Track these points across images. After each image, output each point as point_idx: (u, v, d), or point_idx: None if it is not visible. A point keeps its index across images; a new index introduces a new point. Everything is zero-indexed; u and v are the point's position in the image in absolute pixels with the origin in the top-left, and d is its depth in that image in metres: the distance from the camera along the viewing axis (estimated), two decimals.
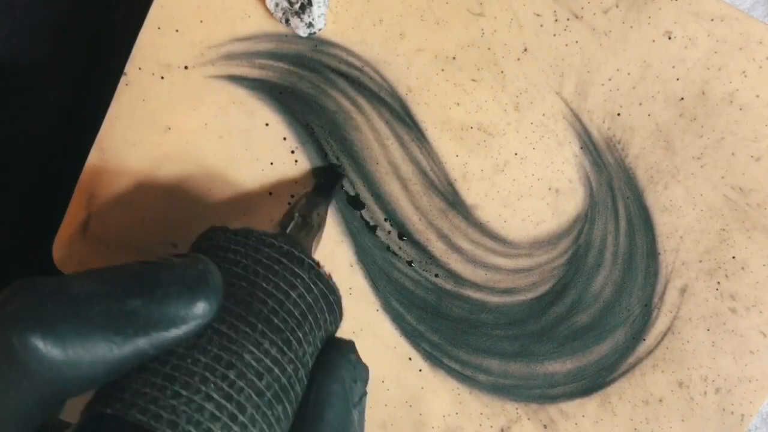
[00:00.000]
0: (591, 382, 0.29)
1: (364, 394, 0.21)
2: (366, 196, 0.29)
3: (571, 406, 0.29)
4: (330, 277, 0.22)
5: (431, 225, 0.29)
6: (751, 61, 0.28)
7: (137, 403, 0.16)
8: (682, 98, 0.28)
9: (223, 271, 0.19)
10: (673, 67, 0.28)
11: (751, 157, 0.28)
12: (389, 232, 0.29)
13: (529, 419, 0.29)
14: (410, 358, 0.30)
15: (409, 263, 0.29)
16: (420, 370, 0.30)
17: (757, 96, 0.28)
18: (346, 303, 0.30)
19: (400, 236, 0.29)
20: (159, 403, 0.16)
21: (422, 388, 0.30)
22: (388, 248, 0.29)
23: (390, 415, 0.30)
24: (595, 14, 0.28)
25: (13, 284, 0.16)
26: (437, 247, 0.29)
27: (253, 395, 0.17)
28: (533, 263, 0.29)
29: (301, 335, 0.20)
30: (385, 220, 0.29)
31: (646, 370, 0.29)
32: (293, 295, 0.20)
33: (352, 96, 0.29)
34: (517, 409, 0.29)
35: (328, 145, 0.29)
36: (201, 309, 0.17)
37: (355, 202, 0.29)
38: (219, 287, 0.18)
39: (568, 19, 0.28)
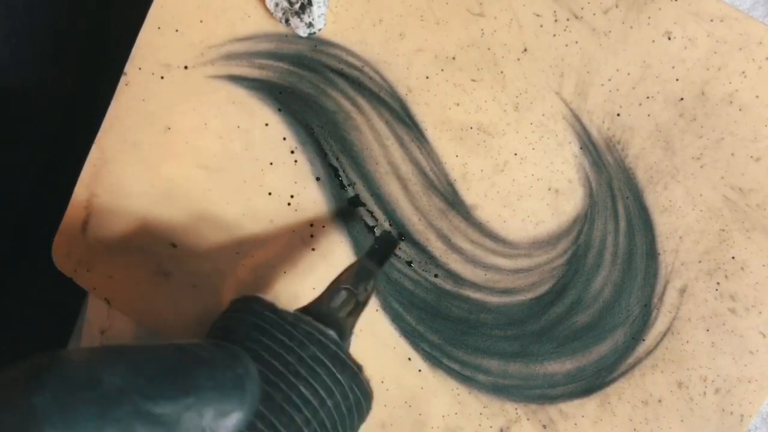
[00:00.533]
0: (590, 383, 0.29)
1: None
2: (365, 196, 0.29)
3: (570, 407, 0.29)
4: (368, 382, 0.21)
5: (431, 225, 0.29)
6: (751, 61, 0.28)
7: None
8: (682, 98, 0.28)
9: (262, 364, 0.18)
10: (673, 67, 0.28)
11: (751, 157, 0.28)
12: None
13: (528, 419, 0.29)
14: (410, 359, 0.30)
15: (409, 263, 0.29)
16: (419, 371, 0.30)
17: (757, 96, 0.28)
18: None
19: (400, 236, 0.29)
20: None
21: (422, 388, 0.30)
22: None
23: (389, 415, 0.30)
24: (594, 15, 0.28)
25: (40, 361, 0.15)
26: (437, 248, 0.29)
27: None
28: (533, 263, 0.29)
29: None
30: (385, 220, 0.29)
31: (645, 371, 0.29)
32: (329, 403, 0.19)
33: (352, 96, 0.29)
34: (516, 409, 0.29)
35: (328, 145, 0.29)
36: (234, 420, 0.16)
37: (355, 202, 0.29)
38: (256, 394, 0.17)
39: (567, 20, 0.28)
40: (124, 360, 0.16)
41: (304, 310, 0.22)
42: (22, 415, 0.14)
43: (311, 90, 0.29)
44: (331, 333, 0.20)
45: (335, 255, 0.30)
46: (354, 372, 0.20)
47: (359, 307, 0.24)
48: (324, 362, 0.19)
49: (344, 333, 0.21)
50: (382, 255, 0.27)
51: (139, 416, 0.15)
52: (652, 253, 0.29)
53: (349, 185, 0.29)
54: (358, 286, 0.24)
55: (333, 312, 0.23)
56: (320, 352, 0.19)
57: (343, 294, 0.23)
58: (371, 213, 0.29)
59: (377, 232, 0.27)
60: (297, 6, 0.28)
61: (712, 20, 0.27)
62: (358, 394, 0.20)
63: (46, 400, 0.14)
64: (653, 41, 0.28)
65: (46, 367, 0.15)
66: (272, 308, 0.20)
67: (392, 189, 0.29)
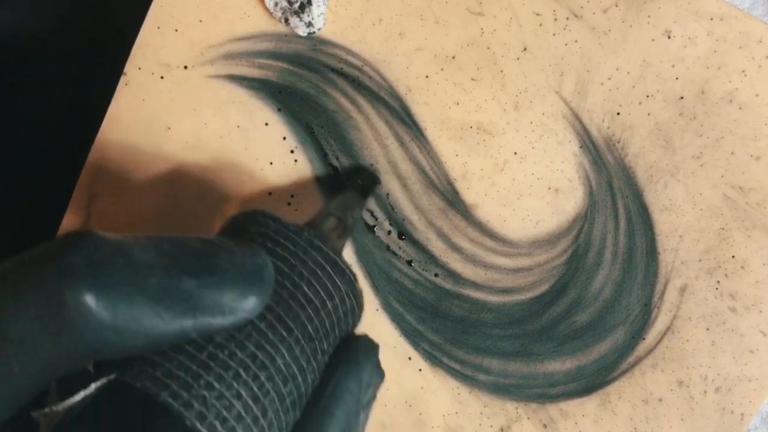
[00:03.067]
0: (591, 382, 0.29)
1: (373, 397, 0.21)
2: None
3: (570, 406, 0.29)
4: (362, 292, 0.22)
5: (431, 224, 0.29)
6: (751, 60, 0.28)
7: (169, 385, 0.16)
8: (682, 97, 0.28)
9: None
10: (673, 66, 0.28)
11: (751, 156, 0.28)
12: (389, 232, 0.29)
13: (528, 419, 0.29)
14: (410, 358, 0.30)
15: (409, 263, 0.29)
16: (420, 370, 0.30)
17: (757, 95, 0.28)
18: None
19: (400, 236, 0.29)
20: (191, 391, 0.16)
21: (422, 387, 0.30)
22: (387, 248, 0.29)
23: (390, 414, 0.30)
24: (594, 13, 0.28)
25: (74, 233, 0.15)
26: (437, 247, 0.29)
27: (276, 400, 0.17)
28: (533, 262, 0.29)
29: (326, 346, 0.20)
30: (385, 219, 0.29)
31: (645, 370, 0.29)
32: (329, 305, 0.20)
33: (352, 95, 0.29)
34: (516, 408, 0.29)
35: (328, 145, 0.29)
36: (251, 304, 0.17)
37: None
38: (271, 285, 0.18)
39: (567, 19, 0.28)
40: (150, 241, 0.16)
41: None
42: (59, 272, 0.14)
43: (311, 90, 0.29)
44: (330, 248, 0.21)
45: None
46: (351, 279, 0.21)
47: (346, 231, 0.25)
48: (325, 267, 0.20)
49: (337, 251, 0.22)
50: (366, 188, 0.28)
51: (165, 290, 0.16)
52: (652, 252, 0.29)
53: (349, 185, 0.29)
54: (345, 214, 0.25)
55: (323, 233, 0.24)
56: (321, 258, 0.20)
57: (333, 219, 0.25)
58: (371, 212, 0.29)
59: (350, 181, 0.29)
60: (296, 5, 0.28)
61: (711, 19, 0.27)
62: (353, 301, 0.21)
63: (80, 260, 0.15)
64: (653, 40, 0.28)
65: (81, 235, 0.15)
66: (275, 218, 0.21)
67: (392, 188, 0.29)
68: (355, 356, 0.20)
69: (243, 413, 0.16)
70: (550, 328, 0.29)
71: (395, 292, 0.29)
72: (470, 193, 0.29)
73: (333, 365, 0.20)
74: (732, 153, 0.28)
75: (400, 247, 0.29)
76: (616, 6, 0.28)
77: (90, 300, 0.14)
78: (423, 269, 0.29)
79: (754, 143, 0.28)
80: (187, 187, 0.30)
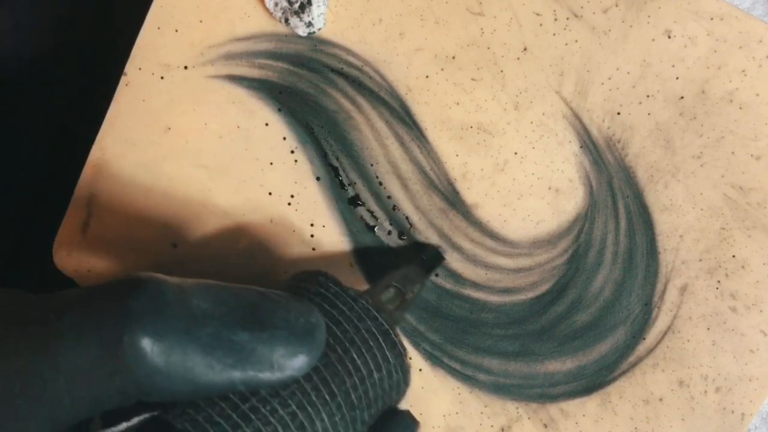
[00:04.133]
0: (591, 381, 0.29)
1: None
2: (366, 195, 0.29)
3: (571, 406, 0.29)
4: (410, 367, 0.22)
5: (431, 224, 0.29)
6: (751, 59, 0.28)
7: (208, 430, 0.16)
8: (682, 97, 0.28)
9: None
10: (673, 66, 0.28)
11: (751, 155, 0.28)
12: (389, 232, 0.29)
13: (529, 418, 0.29)
14: (410, 358, 0.30)
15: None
16: (420, 370, 0.30)
17: (757, 95, 0.28)
18: None
19: (400, 236, 0.29)
20: None
21: (422, 387, 0.30)
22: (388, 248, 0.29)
23: None
24: (594, 13, 0.28)
25: (138, 276, 0.16)
26: None
27: None
28: (533, 262, 0.29)
29: (367, 417, 0.20)
30: (385, 219, 0.29)
31: (646, 369, 0.29)
32: (375, 376, 0.20)
33: (352, 95, 0.29)
34: (517, 408, 0.29)
35: (328, 145, 0.29)
36: (300, 362, 0.17)
37: (355, 202, 0.29)
38: (322, 346, 0.18)
39: (567, 19, 0.28)
40: (210, 290, 0.17)
41: None
42: (118, 315, 0.15)
43: (311, 90, 0.29)
44: (385, 319, 0.21)
45: (335, 255, 0.30)
46: (401, 353, 0.21)
47: (405, 304, 0.25)
48: (377, 337, 0.20)
49: (392, 324, 0.22)
50: (430, 265, 0.28)
51: (219, 341, 0.16)
52: (652, 252, 0.29)
53: (349, 185, 0.29)
54: (406, 287, 0.25)
55: (383, 303, 0.24)
56: (375, 328, 0.20)
57: (392, 290, 0.25)
58: (371, 212, 0.29)
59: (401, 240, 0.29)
60: (296, 5, 0.28)
61: (712, 19, 0.27)
62: (401, 375, 0.21)
63: (141, 305, 0.15)
64: (653, 40, 0.28)
65: (144, 280, 0.16)
66: (335, 281, 0.21)
67: (392, 188, 0.29)
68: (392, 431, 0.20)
69: None
70: (551, 328, 0.29)
71: None
72: (470, 193, 0.29)
73: None
74: (732, 153, 0.28)
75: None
76: (617, 6, 0.28)
77: (146, 345, 0.15)
78: None
79: (754, 143, 0.28)
80: (187, 188, 0.30)
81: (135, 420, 0.16)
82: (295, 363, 0.17)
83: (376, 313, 0.21)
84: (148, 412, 0.17)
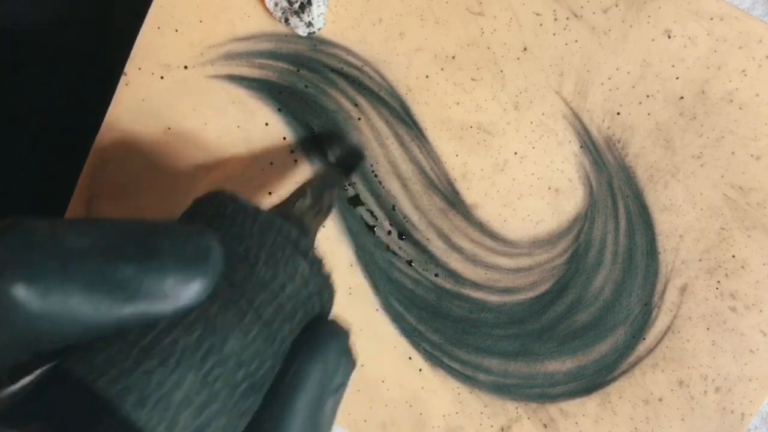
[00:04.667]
0: (591, 381, 0.29)
1: (344, 385, 0.20)
2: (366, 195, 0.29)
3: (571, 406, 0.29)
4: (329, 274, 0.21)
5: (431, 224, 0.29)
6: (751, 59, 0.28)
7: (107, 372, 0.15)
8: (682, 97, 0.28)
9: (224, 246, 0.18)
10: (673, 66, 0.28)
11: (751, 155, 0.28)
12: (389, 232, 0.29)
13: (529, 418, 0.29)
14: (410, 358, 0.30)
15: (409, 263, 0.29)
16: (420, 370, 0.30)
17: (757, 95, 0.28)
18: (346, 303, 0.30)
19: (400, 236, 0.29)
20: (130, 378, 0.15)
21: (422, 387, 0.30)
22: (387, 248, 0.29)
23: (390, 415, 0.30)
24: (594, 13, 0.28)
25: (2, 222, 0.15)
26: (437, 247, 0.29)
27: (227, 386, 0.17)
28: (533, 262, 0.29)
29: (287, 331, 0.19)
30: (385, 219, 0.29)
31: (646, 369, 0.29)
32: (288, 288, 0.19)
33: (352, 95, 0.29)
34: (517, 408, 0.29)
35: (328, 145, 0.29)
36: (195, 289, 0.16)
37: (355, 202, 0.29)
38: (219, 269, 0.17)
39: (567, 19, 0.28)
40: (85, 225, 0.16)
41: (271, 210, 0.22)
42: None
43: (311, 90, 0.29)
44: (293, 227, 0.20)
45: (335, 254, 0.30)
46: (314, 260, 0.20)
47: (323, 212, 0.24)
48: (284, 248, 0.19)
49: (307, 232, 0.21)
50: (349, 166, 0.27)
51: (101, 277, 0.15)
52: (652, 252, 0.29)
53: (349, 184, 0.29)
54: (323, 193, 0.24)
55: (297, 213, 0.23)
56: (281, 239, 0.19)
57: (308, 198, 0.24)
58: (371, 212, 0.29)
59: (332, 158, 0.28)
60: (296, 5, 0.28)
61: (712, 19, 0.27)
62: (319, 282, 0.20)
63: (8, 250, 0.14)
64: (653, 40, 0.28)
65: (8, 225, 0.15)
66: (233, 197, 0.20)
67: (392, 188, 0.29)
68: (318, 339, 0.19)
69: (187, 401, 0.16)
70: (551, 328, 0.29)
71: (395, 292, 0.29)
72: (470, 193, 0.29)
73: (295, 350, 0.19)
74: (732, 153, 0.28)
75: (400, 247, 0.29)
76: (616, 6, 0.28)
77: (19, 289, 0.14)
78: (423, 269, 0.29)
79: (754, 143, 0.28)
80: (187, 188, 0.30)
81: (36, 373, 0.16)
82: (190, 290, 0.16)
83: (281, 223, 0.19)
84: (49, 363, 0.16)
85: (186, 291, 0.16)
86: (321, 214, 0.24)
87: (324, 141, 0.29)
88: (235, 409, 0.17)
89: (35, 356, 0.16)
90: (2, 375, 0.16)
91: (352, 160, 0.28)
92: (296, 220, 0.21)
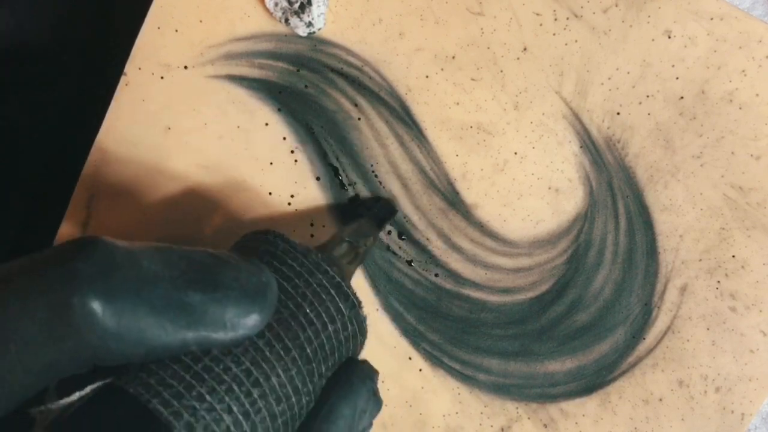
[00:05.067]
0: (591, 381, 0.29)
1: (370, 426, 0.21)
2: (366, 195, 0.29)
3: (571, 405, 0.29)
4: (365, 318, 0.22)
5: (431, 224, 0.29)
6: (751, 59, 0.28)
7: (161, 393, 0.16)
8: (682, 97, 0.28)
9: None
10: (673, 66, 0.28)
11: (751, 155, 0.28)
12: (389, 232, 0.29)
13: (529, 418, 0.29)
14: (410, 358, 0.30)
15: (409, 263, 0.29)
16: (420, 370, 0.30)
17: (757, 95, 0.28)
18: None
19: (400, 236, 0.29)
20: (182, 401, 0.16)
21: (422, 387, 0.30)
22: (388, 248, 0.29)
23: (390, 414, 0.30)
24: (594, 13, 0.28)
25: (85, 239, 0.16)
26: (437, 247, 0.29)
27: (268, 418, 0.17)
28: (533, 262, 0.29)
29: (324, 369, 0.20)
30: (391, 226, 0.29)
31: (646, 369, 0.29)
32: (330, 328, 0.20)
33: (352, 95, 0.29)
34: (517, 408, 0.29)
35: (328, 145, 0.29)
36: (253, 321, 0.17)
37: (355, 202, 0.29)
38: (274, 303, 0.18)
39: (567, 19, 0.28)
40: (160, 252, 0.17)
41: None
42: (68, 277, 0.15)
43: (311, 90, 0.29)
44: (336, 271, 0.21)
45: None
46: (354, 305, 0.21)
47: (358, 258, 0.25)
48: (329, 290, 0.20)
49: (344, 277, 0.22)
50: (382, 218, 0.28)
51: (170, 301, 0.16)
52: (652, 252, 0.29)
53: (349, 185, 0.29)
54: (359, 241, 0.25)
55: (335, 257, 0.24)
56: (326, 281, 0.20)
57: (345, 245, 0.25)
58: (351, 182, 0.29)
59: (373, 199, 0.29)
60: (296, 5, 0.28)
61: (712, 19, 0.27)
62: (356, 327, 0.21)
63: (89, 267, 0.15)
64: (653, 40, 0.28)
65: (92, 242, 0.16)
66: (284, 237, 0.21)
67: (392, 188, 0.29)
68: (351, 381, 0.20)
69: (232, 428, 0.16)
70: (551, 328, 0.29)
71: (395, 292, 0.29)
72: (470, 193, 0.29)
73: (329, 389, 0.20)
74: (732, 153, 0.28)
75: (400, 247, 0.29)
76: (616, 6, 0.28)
77: (96, 307, 0.15)
78: (423, 269, 0.29)
79: (754, 143, 0.28)
80: (187, 188, 0.30)
81: (88, 388, 0.16)
82: (248, 322, 0.17)
83: (326, 267, 0.21)
84: (102, 379, 0.17)
85: (245, 322, 0.17)
86: (355, 262, 0.25)
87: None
88: None
89: (92, 371, 0.16)
90: (52, 385, 0.16)
91: (384, 212, 0.29)
92: (336, 264, 0.22)
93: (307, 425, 0.19)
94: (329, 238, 0.25)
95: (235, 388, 0.17)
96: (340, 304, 0.20)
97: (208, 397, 0.16)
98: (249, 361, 0.17)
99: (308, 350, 0.19)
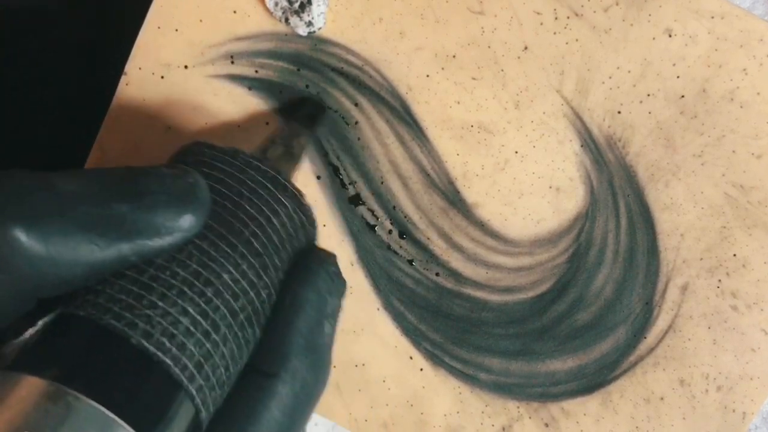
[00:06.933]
0: (592, 381, 0.29)
1: (339, 307, 0.21)
2: (366, 195, 0.29)
3: (572, 405, 0.29)
4: (310, 207, 0.21)
5: (432, 224, 0.29)
6: (752, 58, 0.27)
7: (112, 309, 0.16)
8: (683, 96, 0.28)
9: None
10: (674, 64, 0.28)
11: (752, 154, 0.28)
12: (390, 231, 0.29)
13: (530, 418, 0.29)
14: (411, 358, 0.30)
15: (410, 262, 0.29)
16: (421, 370, 0.30)
17: (758, 93, 0.28)
18: (347, 303, 0.30)
19: (401, 235, 0.29)
20: (134, 312, 0.16)
21: (423, 387, 0.30)
22: (388, 247, 0.29)
23: (391, 414, 0.30)
24: (595, 12, 0.28)
25: None
26: (438, 246, 0.29)
27: (228, 315, 0.17)
28: (534, 261, 0.29)
29: (278, 261, 0.19)
30: (386, 218, 0.29)
31: (647, 368, 0.29)
32: (275, 221, 0.20)
33: (352, 95, 0.29)
34: (518, 407, 0.29)
35: (328, 144, 0.29)
36: (188, 222, 0.17)
37: (356, 201, 0.29)
38: (207, 202, 0.18)
39: (568, 18, 0.28)
40: (75, 173, 0.16)
41: None
42: None
43: (312, 89, 0.29)
44: (269, 167, 0.21)
45: (335, 253, 0.30)
46: (295, 195, 0.21)
47: (294, 158, 0.25)
48: (265, 184, 0.20)
49: (280, 171, 0.22)
50: (312, 115, 0.28)
51: (97, 217, 0.16)
52: (653, 251, 0.29)
53: (349, 184, 0.29)
54: (291, 141, 0.25)
55: (271, 159, 0.24)
56: (260, 176, 0.20)
57: (278, 147, 0.25)
58: (372, 211, 0.29)
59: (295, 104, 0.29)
60: (296, 5, 0.28)
61: (712, 17, 0.27)
62: (302, 216, 0.21)
63: (3, 197, 0.15)
64: (654, 39, 0.28)
65: (3, 173, 0.16)
66: (209, 144, 0.21)
67: (393, 187, 0.29)
68: (308, 266, 0.20)
69: (192, 328, 0.16)
70: (552, 327, 0.29)
71: (396, 291, 0.29)
72: (471, 192, 0.29)
73: (288, 280, 0.19)
74: (733, 151, 0.28)
75: (401, 247, 0.29)
76: (617, 5, 0.28)
77: (19, 233, 0.14)
78: (424, 268, 0.29)
79: (755, 142, 0.28)
80: None
81: (39, 323, 0.16)
82: (183, 223, 0.17)
83: (257, 163, 0.20)
84: (51, 311, 0.16)
85: (179, 224, 0.17)
86: (292, 161, 0.25)
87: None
88: (238, 337, 0.17)
89: (39, 304, 0.16)
90: (6, 327, 0.16)
91: (313, 109, 0.28)
92: (271, 165, 0.21)
93: (274, 317, 0.19)
94: (260, 141, 0.25)
95: (186, 290, 0.17)
96: (279, 196, 0.20)
97: (160, 303, 0.16)
98: (196, 263, 0.17)
99: (256, 244, 0.19)
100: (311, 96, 0.29)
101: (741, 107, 0.28)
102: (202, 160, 0.20)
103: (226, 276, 0.18)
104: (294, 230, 0.20)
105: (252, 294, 0.18)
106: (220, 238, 0.18)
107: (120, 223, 0.16)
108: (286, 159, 0.25)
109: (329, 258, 0.21)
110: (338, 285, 0.21)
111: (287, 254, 0.20)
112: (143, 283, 0.16)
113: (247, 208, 0.19)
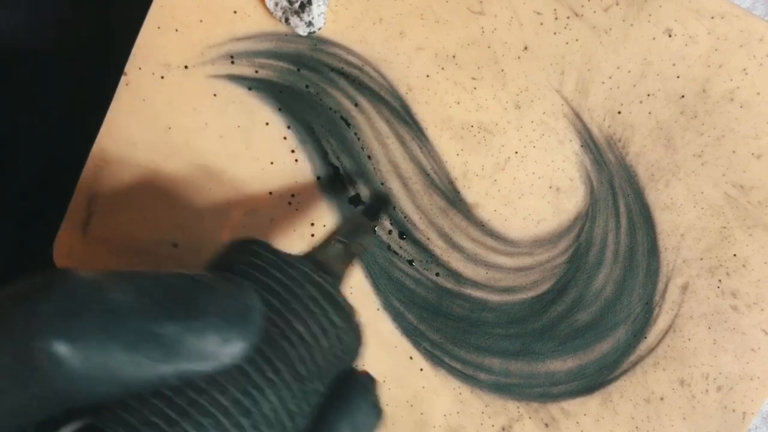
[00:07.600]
0: (592, 381, 0.29)
1: None
2: (366, 195, 0.29)
3: (572, 405, 0.29)
4: (361, 326, 0.21)
5: (432, 224, 0.29)
6: (752, 58, 0.27)
7: None
8: (683, 96, 0.28)
9: (261, 301, 0.18)
10: (674, 64, 0.28)
11: (752, 154, 0.28)
12: (390, 231, 0.29)
13: (530, 418, 0.29)
14: (411, 358, 0.30)
15: (410, 262, 0.29)
16: (421, 370, 0.30)
17: (758, 93, 0.28)
18: None
19: (401, 235, 0.29)
20: None
21: (423, 387, 0.30)
22: (388, 247, 0.29)
23: (391, 414, 0.30)
24: (595, 12, 0.28)
25: (46, 274, 0.15)
26: (438, 246, 0.29)
27: None
28: (534, 262, 0.29)
29: (320, 386, 0.19)
30: (386, 218, 0.29)
31: (647, 368, 0.29)
32: (323, 343, 0.19)
33: (352, 95, 0.29)
34: (518, 407, 0.29)
35: (328, 145, 0.29)
36: (236, 349, 0.16)
37: (355, 202, 0.29)
38: (259, 328, 0.17)
39: (568, 18, 0.28)
40: (129, 281, 0.16)
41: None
42: (26, 319, 0.14)
43: (312, 89, 0.29)
44: (327, 279, 0.20)
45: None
46: (348, 315, 0.20)
47: (352, 258, 0.24)
48: (319, 302, 0.19)
49: (337, 280, 0.21)
50: (376, 211, 0.27)
51: (143, 335, 0.15)
52: (653, 251, 0.29)
53: (349, 184, 0.29)
54: (352, 240, 0.24)
55: (327, 261, 0.23)
56: (316, 293, 0.19)
57: (338, 246, 0.24)
58: (352, 181, 0.29)
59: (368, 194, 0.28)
60: (296, 5, 0.28)
61: (712, 17, 0.27)
62: (352, 337, 0.20)
63: (51, 306, 0.14)
64: (654, 39, 0.28)
65: (52, 279, 0.15)
66: (269, 248, 0.20)
67: (393, 188, 0.29)
68: (349, 396, 0.19)
69: None
70: (552, 327, 0.29)
71: (396, 291, 0.29)
72: (471, 192, 0.29)
73: (327, 406, 0.19)
74: (733, 151, 0.28)
75: (401, 247, 0.29)
76: (617, 5, 0.28)
77: (61, 349, 0.14)
78: (424, 269, 0.29)
79: (755, 141, 0.28)
80: (187, 188, 0.30)
81: (66, 430, 0.15)
82: (230, 350, 0.16)
83: (315, 277, 0.19)
84: (79, 419, 0.16)
85: (226, 350, 0.16)
86: (348, 260, 0.24)
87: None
88: None
89: (68, 412, 0.15)
90: (29, 429, 0.15)
91: (378, 204, 0.28)
92: (327, 269, 0.21)
93: None
94: (322, 238, 0.25)
95: (223, 420, 0.16)
96: (333, 317, 0.19)
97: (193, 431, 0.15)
98: (236, 389, 0.16)
99: (300, 369, 0.18)
100: (378, 187, 0.28)
101: (741, 107, 0.28)
102: (257, 264, 0.19)
103: (265, 405, 0.17)
104: (342, 352, 0.19)
105: (290, 424, 0.17)
106: (266, 362, 0.17)
107: (167, 345, 0.15)
108: (343, 258, 0.23)
109: (370, 386, 0.20)
110: (374, 417, 0.20)
111: (330, 377, 0.19)
112: (179, 406, 0.16)
113: (297, 327, 0.18)
